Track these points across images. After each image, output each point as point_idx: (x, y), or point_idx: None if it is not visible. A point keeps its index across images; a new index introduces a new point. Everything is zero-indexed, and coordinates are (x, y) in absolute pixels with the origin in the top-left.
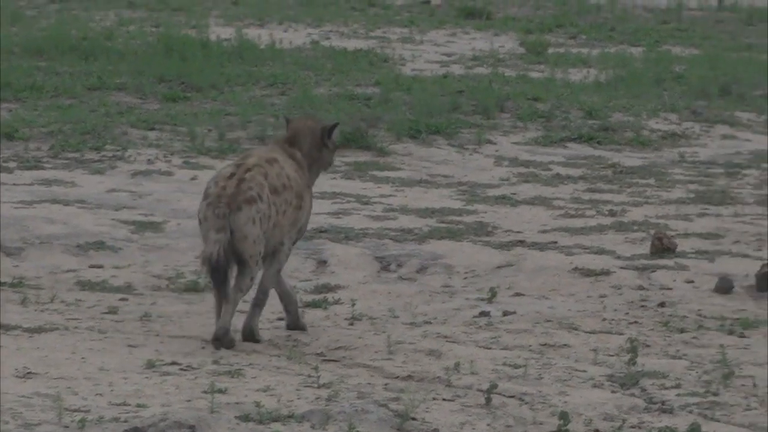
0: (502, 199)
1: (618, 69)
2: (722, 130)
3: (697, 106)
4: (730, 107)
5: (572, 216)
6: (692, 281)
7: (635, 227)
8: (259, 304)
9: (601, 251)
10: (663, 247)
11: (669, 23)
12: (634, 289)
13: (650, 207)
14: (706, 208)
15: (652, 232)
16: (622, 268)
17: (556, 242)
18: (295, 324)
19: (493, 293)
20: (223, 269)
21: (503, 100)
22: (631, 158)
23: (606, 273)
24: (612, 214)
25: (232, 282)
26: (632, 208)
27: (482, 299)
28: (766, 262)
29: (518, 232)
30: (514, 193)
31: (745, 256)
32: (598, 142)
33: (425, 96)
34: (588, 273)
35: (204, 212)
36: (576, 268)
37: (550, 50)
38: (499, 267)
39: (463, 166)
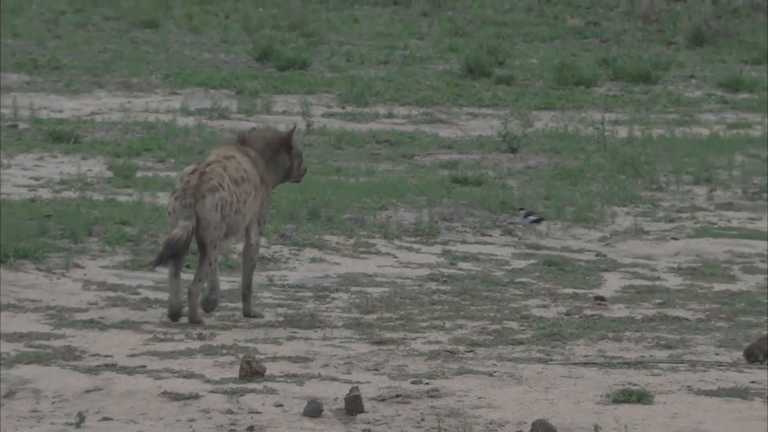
0: (91, 323)
1: None
2: (311, 254)
3: (285, 230)
4: (319, 231)
5: (161, 340)
6: (281, 405)
7: (224, 351)
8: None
9: (190, 375)
10: (252, 371)
11: None
12: (223, 413)
13: (239, 331)
14: (295, 332)
15: (241, 355)
16: (211, 392)
17: (144, 366)
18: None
19: (82, 418)
20: (182, 252)
21: (91, 224)
22: (220, 282)
23: (195, 397)
24: (201, 338)
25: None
26: (221, 331)
27: (70, 424)
28: (354, 385)
29: (107, 356)
30: (103, 317)
31: (334, 379)
32: (187, 266)
33: (13, 220)
34: (177, 397)
35: (173, 205)
36: (165, 392)
37: (139, 174)
38: (87, 391)
39: (51, 291)
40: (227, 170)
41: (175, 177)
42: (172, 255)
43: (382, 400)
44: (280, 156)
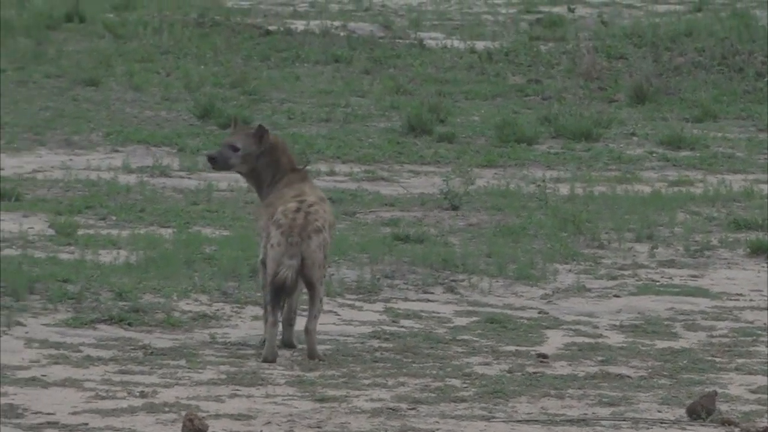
0: (33, 381)
1: (148, 250)
2: (253, 311)
3: (227, 287)
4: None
5: (103, 398)
6: None
7: (166, 409)
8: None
9: None
10: (194, 429)
11: (199, 204)
12: None
13: (181, 388)
14: (237, 389)
15: (184, 413)
16: None
17: (87, 424)
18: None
19: None
20: (290, 291)
21: (33, 282)
22: (162, 339)
23: None
24: (143, 395)
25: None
26: (163, 389)
27: None
28: None
29: (49, 413)
30: (45, 375)
31: None
32: (129, 324)
33: None
34: None
35: (278, 239)
36: None
37: (80, 231)
38: None
39: None
40: (326, 213)
41: (277, 212)
42: (283, 294)
43: None
44: None
